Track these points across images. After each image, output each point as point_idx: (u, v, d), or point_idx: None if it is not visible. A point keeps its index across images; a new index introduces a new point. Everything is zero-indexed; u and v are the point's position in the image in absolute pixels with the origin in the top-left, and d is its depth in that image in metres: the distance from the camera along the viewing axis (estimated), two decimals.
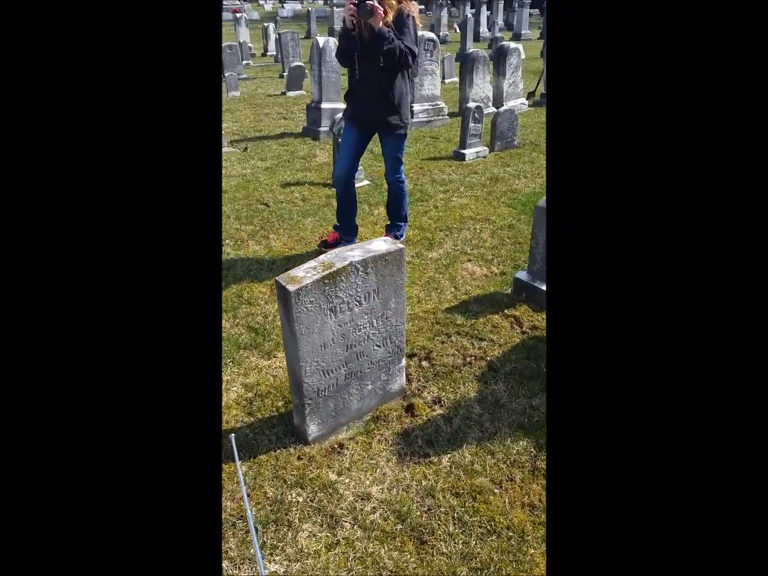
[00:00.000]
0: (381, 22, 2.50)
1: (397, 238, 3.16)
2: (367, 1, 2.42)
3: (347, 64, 2.72)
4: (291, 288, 1.50)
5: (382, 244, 1.72)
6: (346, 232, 3.07)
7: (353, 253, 1.65)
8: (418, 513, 1.56)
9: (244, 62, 11.25)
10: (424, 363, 2.21)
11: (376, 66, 2.60)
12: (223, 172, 4.53)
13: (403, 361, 1.97)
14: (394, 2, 2.58)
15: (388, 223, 3.19)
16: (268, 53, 13.08)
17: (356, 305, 1.68)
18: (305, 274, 1.55)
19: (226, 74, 8.55)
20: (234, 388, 2.05)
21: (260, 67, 11.66)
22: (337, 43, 2.81)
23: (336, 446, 1.79)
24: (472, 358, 2.23)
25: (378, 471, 1.70)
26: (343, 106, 3.74)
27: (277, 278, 1.57)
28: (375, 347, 1.83)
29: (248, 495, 1.59)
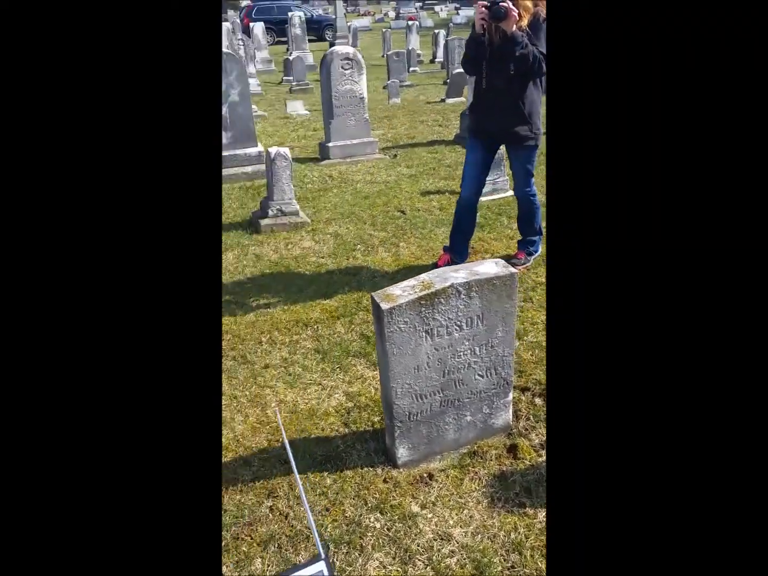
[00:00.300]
0: (514, 26, 2.30)
1: (530, 254, 2.94)
2: (501, 3, 2.24)
3: (474, 71, 2.56)
4: (384, 306, 1.44)
5: (491, 267, 1.58)
6: (459, 253, 2.87)
7: (457, 274, 1.54)
8: (500, 568, 1.40)
9: (411, 69, 11.54)
10: (538, 400, 2.00)
11: (506, 73, 2.40)
12: (368, 178, 4.65)
13: (510, 396, 1.80)
14: (529, 4, 2.36)
15: (520, 238, 2.98)
16: (436, 60, 13.26)
17: (456, 330, 1.56)
18: (402, 292, 1.48)
19: (388, 81, 8.84)
20: (336, 395, 2.06)
21: (426, 73, 11.86)
22: (465, 50, 2.65)
23: (425, 475, 1.69)
24: None
25: (465, 512, 1.56)
26: None
27: (372, 294, 1.52)
28: (477, 377, 1.69)
29: (327, 510, 1.58)
